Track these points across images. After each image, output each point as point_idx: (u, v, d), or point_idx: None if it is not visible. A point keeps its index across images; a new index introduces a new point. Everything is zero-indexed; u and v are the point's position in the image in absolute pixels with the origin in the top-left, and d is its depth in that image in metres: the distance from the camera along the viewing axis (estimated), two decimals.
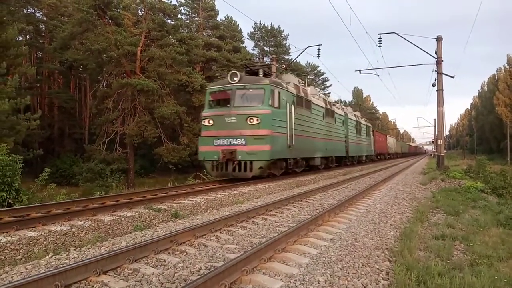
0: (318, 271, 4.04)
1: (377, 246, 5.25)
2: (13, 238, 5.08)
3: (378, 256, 4.80)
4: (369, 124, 34.60)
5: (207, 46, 37.04)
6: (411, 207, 9.15)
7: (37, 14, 37.70)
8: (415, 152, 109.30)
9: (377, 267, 4.41)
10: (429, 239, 6.33)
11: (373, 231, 6.16)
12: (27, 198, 11.37)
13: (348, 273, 4.04)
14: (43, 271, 4.11)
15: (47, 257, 4.86)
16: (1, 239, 4.98)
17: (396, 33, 20.70)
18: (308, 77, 55.85)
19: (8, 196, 10.48)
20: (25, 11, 33.95)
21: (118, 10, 29.57)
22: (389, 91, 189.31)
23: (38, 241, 5.22)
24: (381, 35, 21.76)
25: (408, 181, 16.09)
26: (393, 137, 64.22)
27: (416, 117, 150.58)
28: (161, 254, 4.83)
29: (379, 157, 43.76)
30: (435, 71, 21.20)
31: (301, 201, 9.74)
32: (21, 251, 4.94)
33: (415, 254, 5.15)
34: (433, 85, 21.79)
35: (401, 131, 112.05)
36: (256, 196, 10.88)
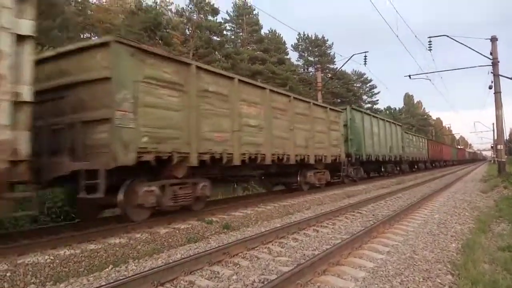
0: (376, 285, 3.90)
1: (438, 259, 4.97)
2: (76, 251, 5.34)
3: (439, 270, 4.54)
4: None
5: (252, 60, 37.55)
6: (472, 217, 8.60)
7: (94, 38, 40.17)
8: (473, 158, 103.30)
9: (439, 281, 4.17)
10: (494, 251, 5.88)
11: (432, 243, 5.85)
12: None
13: (408, 287, 3.85)
14: (104, 283, 4.29)
15: (107, 269, 5.07)
16: (65, 252, 5.26)
17: (447, 36, 19.93)
18: (355, 85, 54.91)
19: (70, 210, 11.11)
20: (81, 35, 36.30)
21: (167, 30, 30.86)
22: (442, 95, 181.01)
23: (98, 254, 5.45)
24: (431, 38, 21.02)
25: (468, 190, 15.18)
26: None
27: (473, 121, 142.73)
28: (214, 266, 4.88)
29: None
30: (491, 73, 20.04)
31: (353, 212, 9.49)
32: (83, 264, 5.17)
33: (480, 267, 4.80)
34: (490, 88, 20.61)
35: (457, 136, 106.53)
36: (306, 207, 10.74)
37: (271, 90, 10.72)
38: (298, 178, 12.87)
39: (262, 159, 9.92)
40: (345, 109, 17.04)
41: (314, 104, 13.41)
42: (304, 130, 12.24)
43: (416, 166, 33.94)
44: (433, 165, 41.98)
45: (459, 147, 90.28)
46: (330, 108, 14.61)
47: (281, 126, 11.02)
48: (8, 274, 4.44)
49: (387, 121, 23.09)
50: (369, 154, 18.57)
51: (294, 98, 11.99)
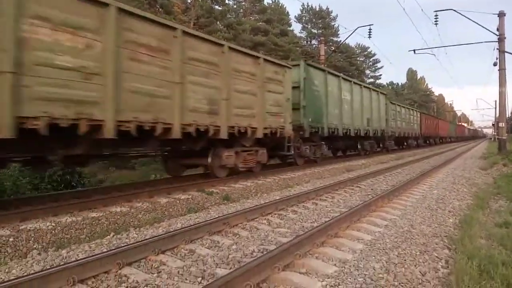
0: (373, 257, 3.95)
1: (435, 234, 5.04)
2: (77, 218, 5.40)
3: (436, 244, 4.60)
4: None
5: (254, 30, 36.88)
6: (470, 193, 8.66)
7: None
8: (473, 135, 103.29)
9: (436, 255, 4.23)
10: (491, 227, 5.94)
11: (430, 218, 5.91)
12: (88, 181, 12.10)
13: (405, 260, 3.91)
14: (105, 250, 4.36)
15: (108, 236, 5.15)
16: (67, 219, 5.32)
17: (454, 10, 19.46)
18: (358, 59, 54.19)
19: (71, 179, 11.21)
20: None
21: None
22: (446, 71, 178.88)
23: (100, 221, 5.52)
24: (437, 12, 20.58)
25: (467, 166, 15.24)
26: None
27: (475, 98, 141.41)
28: (214, 236, 4.95)
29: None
30: (497, 49, 19.73)
31: (352, 186, 9.55)
32: (84, 231, 5.25)
33: (477, 242, 4.86)
34: (494, 64, 20.33)
35: (459, 113, 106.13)
36: (306, 181, 10.81)
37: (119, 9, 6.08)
38: (209, 159, 9.16)
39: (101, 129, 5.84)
40: (298, 65, 12.74)
41: (231, 48, 8.85)
42: (207, 87, 8.03)
43: (405, 143, 30.21)
44: (427, 142, 38.91)
45: (459, 123, 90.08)
46: (265, 59, 10.12)
47: (150, 75, 6.67)
48: (11, 239, 4.51)
49: (365, 86, 18.96)
50: (334, 127, 14.78)
51: (185, 32, 7.47)
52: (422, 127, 32.79)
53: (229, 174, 9.64)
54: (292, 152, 11.93)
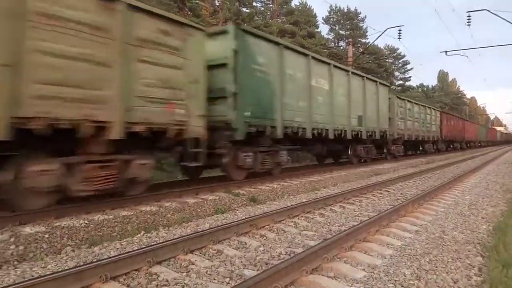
0: (404, 263, 3.88)
1: (467, 240, 4.89)
2: (109, 217, 5.55)
3: (469, 251, 4.47)
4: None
5: (281, 32, 36.87)
6: (505, 199, 8.35)
7: None
8: (506, 140, 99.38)
9: (469, 262, 4.11)
10: None
11: (462, 224, 5.74)
12: None
13: (436, 267, 3.82)
14: (136, 248, 4.47)
15: (139, 234, 5.27)
16: (99, 217, 5.47)
17: (488, 10, 18.81)
18: (387, 60, 53.20)
19: None
20: None
21: (197, 1, 30.60)
22: (479, 73, 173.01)
23: (131, 220, 5.64)
24: (470, 12, 19.99)
25: (501, 172, 14.70)
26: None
27: (510, 102, 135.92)
28: (242, 237, 4.98)
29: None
30: None
31: (381, 190, 9.40)
32: (116, 229, 5.38)
33: (511, 250, 4.71)
34: None
35: (492, 117, 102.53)
36: (333, 183, 10.71)
37: None
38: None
39: None
40: (225, 32, 8.64)
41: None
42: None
43: (421, 148, 25.65)
44: (452, 146, 33.35)
45: (490, 126, 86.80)
46: (134, 6, 6.16)
47: None
48: (46, 236, 4.68)
49: (354, 73, 14.28)
50: (298, 126, 10.51)
51: None
52: (442, 129, 28.25)
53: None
54: (200, 162, 7.71)
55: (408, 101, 21.14)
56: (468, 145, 41.62)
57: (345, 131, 13.05)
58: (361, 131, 14.23)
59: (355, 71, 14.64)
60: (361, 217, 6.28)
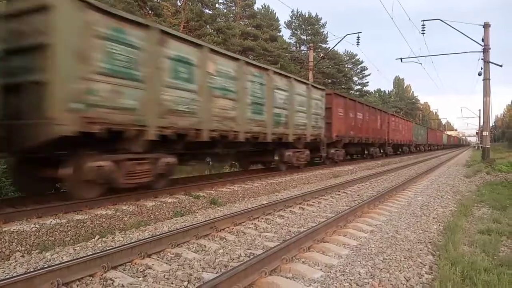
0: (359, 262, 3.99)
1: (419, 240, 5.11)
2: (62, 221, 5.31)
3: (421, 250, 4.67)
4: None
5: (244, 35, 36.99)
6: (454, 200, 8.81)
7: None
8: (458, 143, 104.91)
9: (420, 260, 4.29)
10: (474, 234, 6.06)
11: (415, 224, 6.00)
12: None
13: (390, 266, 3.96)
14: (91, 253, 4.31)
15: (93, 239, 5.09)
16: (51, 221, 5.23)
17: (441, 20, 19.83)
18: (346, 66, 54.71)
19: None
20: None
21: (158, 0, 30.07)
22: (432, 80, 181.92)
23: (85, 224, 5.44)
24: (425, 21, 20.95)
25: (451, 174, 15.50)
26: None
27: (460, 107, 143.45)
28: (201, 240, 4.93)
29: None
30: (482, 59, 20.17)
31: (339, 191, 9.63)
32: (69, 233, 5.17)
33: (460, 248, 4.96)
34: (479, 74, 20.74)
35: (444, 121, 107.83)
36: (293, 185, 10.86)
37: None
38: None
39: None
40: None
41: None
42: None
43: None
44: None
45: (446, 132, 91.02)
46: None
47: None
48: None
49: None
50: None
51: None
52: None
53: None
54: None
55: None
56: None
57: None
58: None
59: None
60: (319, 218, 6.40)
